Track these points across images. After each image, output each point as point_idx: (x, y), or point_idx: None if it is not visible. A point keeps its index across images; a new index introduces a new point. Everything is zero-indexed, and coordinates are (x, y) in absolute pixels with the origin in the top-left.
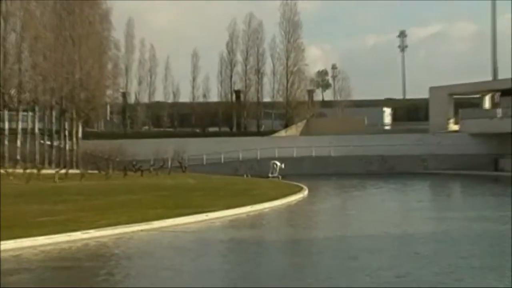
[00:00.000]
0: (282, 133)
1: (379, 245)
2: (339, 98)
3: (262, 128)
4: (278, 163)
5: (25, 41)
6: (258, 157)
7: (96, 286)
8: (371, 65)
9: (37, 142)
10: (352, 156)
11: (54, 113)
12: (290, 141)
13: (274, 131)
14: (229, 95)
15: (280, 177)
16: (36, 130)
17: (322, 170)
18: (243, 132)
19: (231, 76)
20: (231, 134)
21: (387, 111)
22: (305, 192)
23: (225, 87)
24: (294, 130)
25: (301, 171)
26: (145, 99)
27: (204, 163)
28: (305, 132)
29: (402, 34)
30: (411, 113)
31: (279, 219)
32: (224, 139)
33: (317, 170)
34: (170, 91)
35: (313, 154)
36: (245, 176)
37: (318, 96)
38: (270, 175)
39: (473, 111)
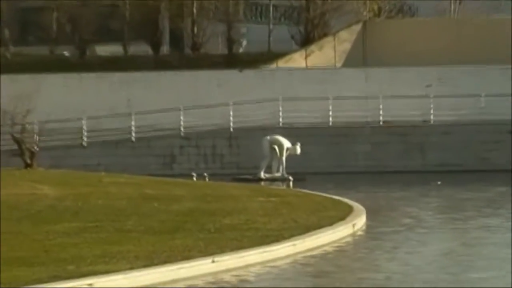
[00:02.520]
0: (297, 59)
1: None
2: None
3: (242, 48)
4: (287, 143)
5: None
6: (231, 127)
7: None
8: None
9: None
10: (486, 124)
11: None
12: (318, 83)
13: (273, 56)
14: None
15: (291, 178)
16: None
17: (402, 161)
18: (189, 57)
19: None
20: (157, 64)
21: None
22: (359, 221)
23: None
24: (327, 53)
25: (348, 161)
26: None
27: (85, 141)
28: (359, 58)
29: None
30: None
31: None
32: (137, 77)
33: (389, 161)
34: None
35: (381, 117)
36: (194, 178)
37: None
38: (263, 175)
39: None
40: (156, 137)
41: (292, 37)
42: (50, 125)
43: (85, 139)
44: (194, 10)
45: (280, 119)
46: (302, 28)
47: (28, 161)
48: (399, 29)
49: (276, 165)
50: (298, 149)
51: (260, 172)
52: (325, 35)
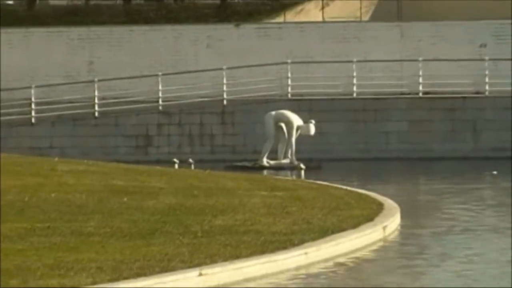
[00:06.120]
0: (311, 10)
1: None
2: None
3: None
4: (297, 121)
5: None
6: (225, 98)
7: None
8: None
9: None
10: None
11: None
12: (338, 42)
13: (280, 6)
14: None
15: (302, 166)
16: None
17: (447, 144)
18: (170, 8)
19: None
20: (128, 16)
21: None
22: (392, 222)
23: None
24: (351, 3)
25: (377, 145)
26: None
27: (33, 117)
28: (392, 9)
29: None
30: None
31: None
32: (102, 33)
33: (430, 144)
34: None
35: (420, 86)
36: (176, 165)
37: None
38: (266, 161)
39: None
40: (126, 112)
41: None
42: None
43: (33, 113)
44: None
45: (289, 89)
46: None
47: None
48: None
49: (283, 149)
50: (312, 128)
51: (262, 158)
52: None
